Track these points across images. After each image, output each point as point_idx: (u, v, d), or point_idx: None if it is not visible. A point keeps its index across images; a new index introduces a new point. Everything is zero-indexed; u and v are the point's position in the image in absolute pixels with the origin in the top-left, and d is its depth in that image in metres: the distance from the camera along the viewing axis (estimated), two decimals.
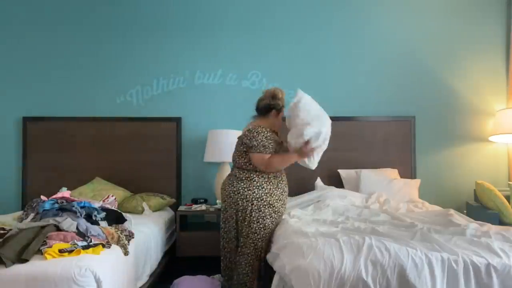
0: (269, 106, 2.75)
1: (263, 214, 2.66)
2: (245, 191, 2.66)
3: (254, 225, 2.64)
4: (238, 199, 2.66)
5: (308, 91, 3.96)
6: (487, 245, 1.95)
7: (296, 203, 3.27)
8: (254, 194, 2.66)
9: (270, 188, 2.71)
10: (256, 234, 2.63)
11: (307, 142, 2.59)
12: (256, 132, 2.64)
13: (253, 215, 2.64)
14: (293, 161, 2.70)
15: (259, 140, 2.62)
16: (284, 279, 2.01)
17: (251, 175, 2.69)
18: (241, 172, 2.72)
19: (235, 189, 2.68)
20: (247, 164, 2.70)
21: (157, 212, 3.48)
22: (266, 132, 2.66)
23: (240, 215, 2.67)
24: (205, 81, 4.03)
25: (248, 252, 2.64)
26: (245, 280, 2.65)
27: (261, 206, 2.65)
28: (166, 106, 4.00)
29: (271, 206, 2.69)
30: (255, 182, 2.68)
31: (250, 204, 2.64)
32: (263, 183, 2.69)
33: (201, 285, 2.77)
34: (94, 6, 4.03)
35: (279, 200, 2.76)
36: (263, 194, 2.68)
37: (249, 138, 2.65)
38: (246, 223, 2.65)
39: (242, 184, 2.68)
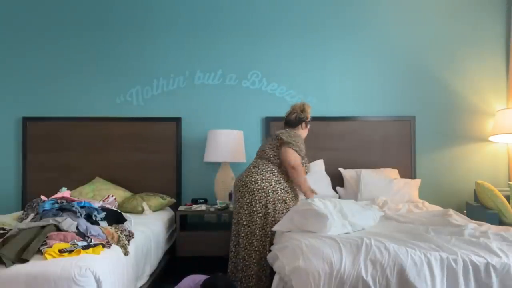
0: (299, 119, 3.01)
1: (277, 208, 2.72)
2: (263, 182, 2.74)
3: (270, 218, 2.69)
4: (254, 189, 2.72)
5: (308, 91, 4.02)
6: (486, 245, 1.95)
7: None
8: (271, 187, 2.74)
9: (286, 186, 2.80)
10: (269, 227, 2.68)
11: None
12: (295, 136, 2.87)
13: (268, 206, 2.70)
14: (309, 196, 2.83)
15: (298, 142, 2.83)
16: (284, 279, 2.02)
17: (273, 168, 2.80)
18: (264, 164, 2.82)
19: (252, 179, 2.76)
20: (276, 157, 2.82)
21: (157, 212, 3.48)
22: (302, 140, 2.92)
23: (254, 205, 2.71)
24: (205, 81, 4.03)
25: (256, 243, 2.67)
26: (251, 274, 2.65)
27: (275, 200, 2.72)
28: (166, 106, 4.00)
29: (284, 203, 2.76)
30: (274, 176, 2.78)
31: (265, 196, 2.71)
32: (281, 179, 2.79)
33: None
34: (94, 6, 4.03)
35: (292, 200, 2.83)
36: (279, 189, 2.76)
37: (287, 135, 2.82)
38: (260, 214, 2.69)
39: (260, 176, 2.76)
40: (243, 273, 2.69)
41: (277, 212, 2.73)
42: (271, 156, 2.84)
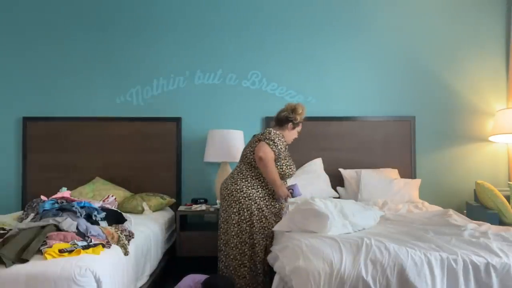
0: (287, 119, 2.84)
1: (266, 214, 2.68)
2: (249, 189, 2.68)
3: (257, 224, 2.65)
4: (241, 197, 2.67)
5: (308, 91, 4.03)
6: (486, 246, 1.95)
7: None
8: (258, 193, 2.69)
9: (273, 190, 2.74)
10: (260, 234, 2.65)
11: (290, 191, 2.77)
12: (275, 135, 2.71)
13: (256, 213, 2.65)
14: (277, 187, 2.69)
15: (275, 139, 2.68)
16: (284, 279, 2.01)
17: (257, 173, 2.72)
18: (248, 169, 2.74)
19: (238, 187, 2.70)
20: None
21: (157, 212, 3.48)
22: (283, 139, 2.75)
23: (242, 214, 2.67)
24: (205, 81, 4.03)
25: (248, 252, 2.65)
26: (243, 278, 2.65)
27: (263, 205, 2.68)
28: (166, 106, 4.00)
29: (273, 207, 2.73)
30: (259, 181, 2.72)
31: (253, 203, 2.66)
32: (267, 183, 2.72)
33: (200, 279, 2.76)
34: (94, 7, 4.03)
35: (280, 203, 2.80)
36: (266, 195, 2.71)
37: (266, 134, 2.72)
38: (249, 222, 2.66)
39: (246, 182, 2.70)
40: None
41: (268, 217, 2.69)
42: (252, 159, 2.73)
